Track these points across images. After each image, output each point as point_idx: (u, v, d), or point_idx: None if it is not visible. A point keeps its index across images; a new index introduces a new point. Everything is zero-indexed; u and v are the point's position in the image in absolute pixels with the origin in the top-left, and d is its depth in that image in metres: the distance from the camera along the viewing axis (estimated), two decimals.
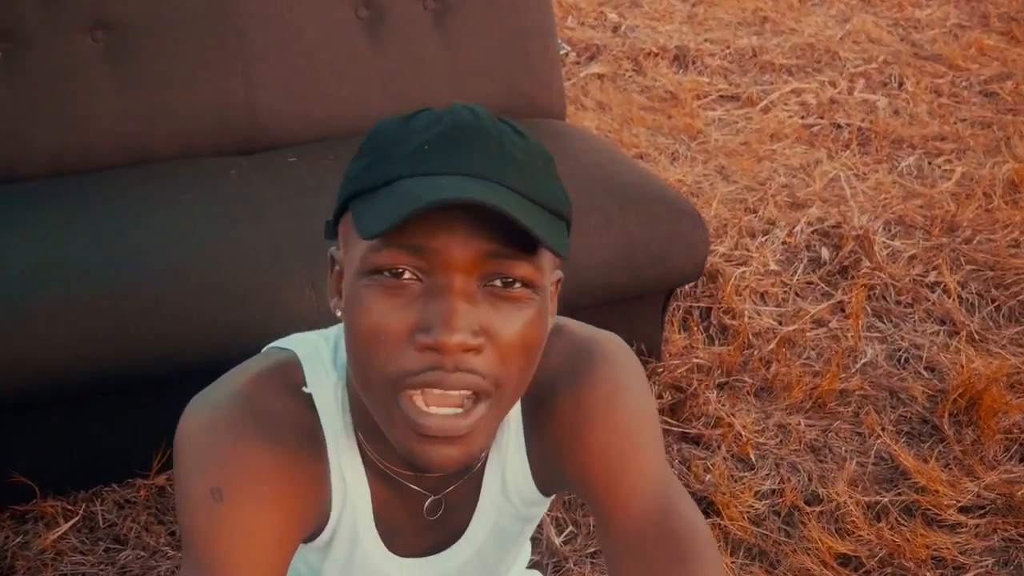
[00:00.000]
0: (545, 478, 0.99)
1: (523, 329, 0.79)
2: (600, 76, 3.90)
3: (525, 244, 0.77)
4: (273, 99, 2.14)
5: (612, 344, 0.97)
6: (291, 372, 0.92)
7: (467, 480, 0.98)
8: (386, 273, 0.77)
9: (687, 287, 2.44)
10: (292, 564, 1.05)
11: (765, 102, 3.65)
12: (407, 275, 0.77)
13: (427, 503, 0.97)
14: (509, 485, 0.99)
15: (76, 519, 1.73)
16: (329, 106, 2.18)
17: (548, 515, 1.76)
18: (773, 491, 1.83)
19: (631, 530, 0.92)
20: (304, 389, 0.91)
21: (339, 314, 0.86)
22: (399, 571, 1.01)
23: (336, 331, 0.97)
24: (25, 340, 1.57)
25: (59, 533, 1.70)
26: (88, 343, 1.60)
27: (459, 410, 0.78)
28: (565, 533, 1.74)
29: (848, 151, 3.27)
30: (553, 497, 1.06)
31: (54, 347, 1.59)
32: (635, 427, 0.94)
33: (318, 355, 0.93)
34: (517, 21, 2.30)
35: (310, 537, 0.97)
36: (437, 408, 0.77)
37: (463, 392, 0.77)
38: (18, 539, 1.70)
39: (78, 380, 1.62)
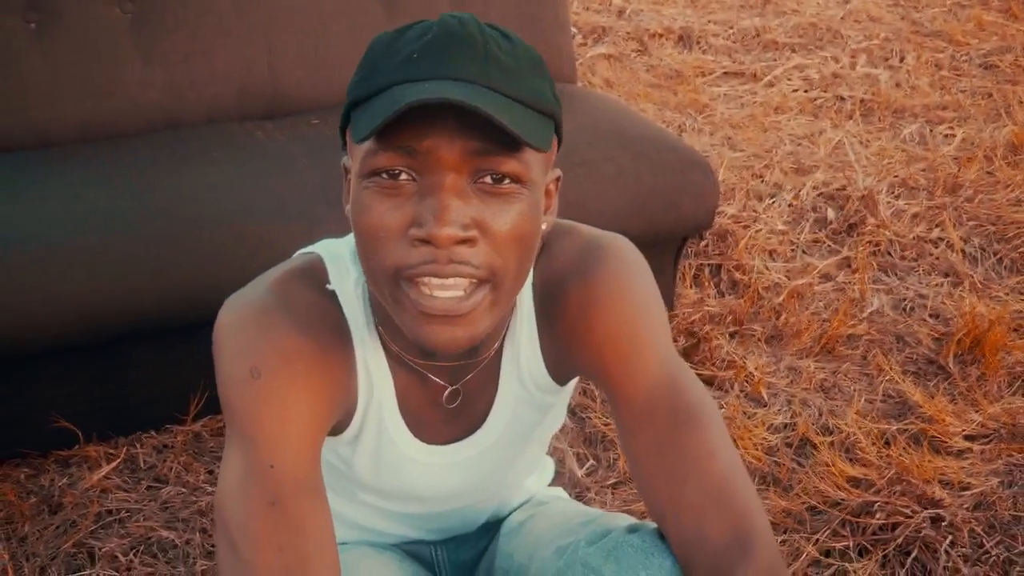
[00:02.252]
0: (558, 366, 1.06)
1: (514, 222, 0.85)
2: (607, 56, 3.98)
3: (509, 142, 0.83)
4: (294, 66, 2.22)
5: (620, 242, 1.04)
6: (317, 271, 0.99)
7: (483, 371, 1.05)
8: (384, 175, 0.84)
9: (699, 246, 2.51)
10: (325, 458, 1.13)
11: (769, 77, 3.72)
12: (403, 176, 0.84)
13: (446, 393, 1.04)
14: (524, 373, 1.05)
15: (118, 461, 1.81)
16: (347, 72, 2.25)
17: (571, 450, 1.84)
18: (785, 425, 1.90)
19: (644, 405, 0.99)
20: (328, 286, 0.99)
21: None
22: (424, 457, 1.08)
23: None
24: (67, 282, 1.64)
25: (103, 473, 1.78)
26: (126, 287, 1.68)
27: (461, 293, 0.85)
28: (586, 466, 1.81)
29: (851, 121, 3.34)
30: (569, 390, 1.12)
31: (94, 290, 1.66)
32: (644, 312, 1.01)
33: (340, 256, 1.01)
34: None
35: (341, 428, 1.04)
36: (440, 292, 0.84)
37: (460, 280, 0.84)
38: (64, 480, 1.78)
39: (117, 322, 1.69)
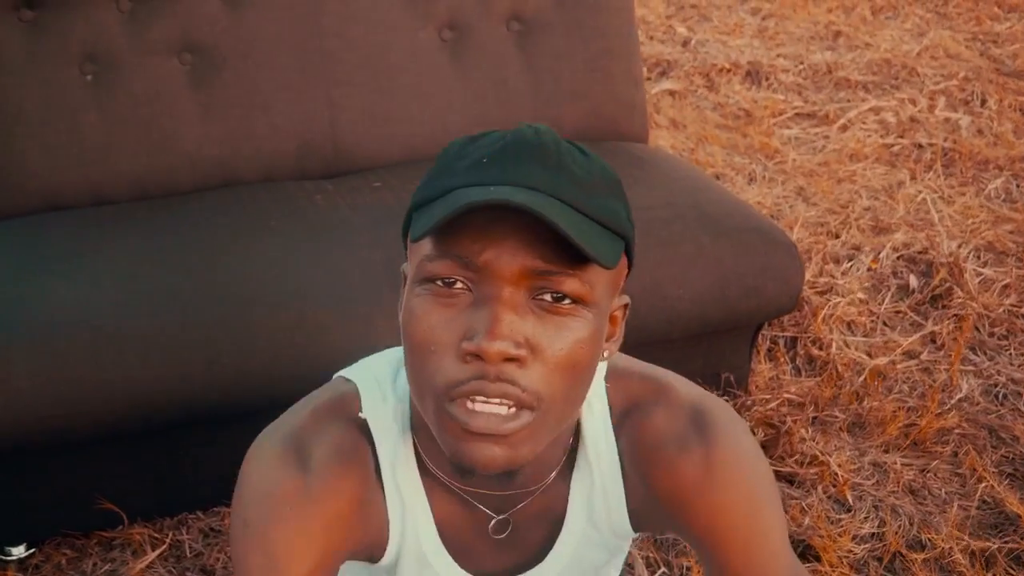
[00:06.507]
0: (643, 521, 0.99)
1: (571, 346, 0.79)
2: (672, 93, 3.85)
3: (573, 257, 0.78)
4: (356, 122, 2.12)
5: (728, 413, 0.97)
6: (348, 402, 0.95)
7: (540, 503, 0.98)
8: (439, 282, 0.79)
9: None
10: None
11: (843, 120, 3.57)
12: (458, 285, 0.79)
13: (492, 522, 0.97)
14: (599, 515, 0.99)
15: (163, 548, 1.72)
16: (412, 128, 2.15)
17: (640, 554, 1.72)
18: (873, 535, 1.76)
19: None
20: (360, 415, 0.94)
21: None
22: None
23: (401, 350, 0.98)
24: (118, 369, 1.56)
25: (147, 562, 1.69)
26: (179, 374, 1.59)
27: (504, 411, 0.78)
28: (658, 574, 1.69)
29: (931, 172, 3.18)
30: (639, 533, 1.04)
31: (146, 377, 1.58)
32: (764, 497, 0.96)
33: (376, 381, 0.96)
34: (600, 42, 2.26)
35: (376, 558, 0.98)
36: (483, 407, 0.78)
37: (505, 401, 0.78)
38: (105, 567, 1.69)
39: (169, 410, 1.61)
